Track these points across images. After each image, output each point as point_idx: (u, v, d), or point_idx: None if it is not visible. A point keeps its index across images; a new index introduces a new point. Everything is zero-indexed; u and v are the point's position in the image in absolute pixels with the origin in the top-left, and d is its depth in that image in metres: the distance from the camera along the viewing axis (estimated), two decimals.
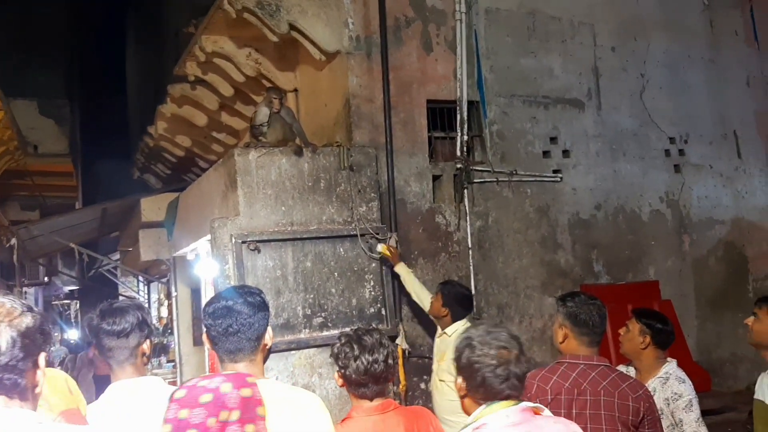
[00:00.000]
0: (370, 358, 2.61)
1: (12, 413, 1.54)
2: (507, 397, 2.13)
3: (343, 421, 2.67)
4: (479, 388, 2.14)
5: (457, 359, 2.22)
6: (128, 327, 2.49)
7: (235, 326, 2.19)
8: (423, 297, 5.46)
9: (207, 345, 2.31)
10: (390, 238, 5.82)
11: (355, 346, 2.63)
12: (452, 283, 5.38)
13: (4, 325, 1.55)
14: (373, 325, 5.39)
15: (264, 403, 1.90)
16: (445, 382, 4.74)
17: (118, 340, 2.48)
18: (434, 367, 5.07)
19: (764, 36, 8.58)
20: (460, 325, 4.84)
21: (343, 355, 2.64)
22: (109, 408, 2.44)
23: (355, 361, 2.61)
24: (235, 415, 1.82)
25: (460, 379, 2.21)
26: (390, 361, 2.68)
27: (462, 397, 2.23)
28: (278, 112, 5.81)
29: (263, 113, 5.86)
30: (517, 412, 2.10)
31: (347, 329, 2.88)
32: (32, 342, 1.59)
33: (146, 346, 2.56)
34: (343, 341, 2.69)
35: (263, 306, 2.27)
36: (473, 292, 6.36)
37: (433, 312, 5.18)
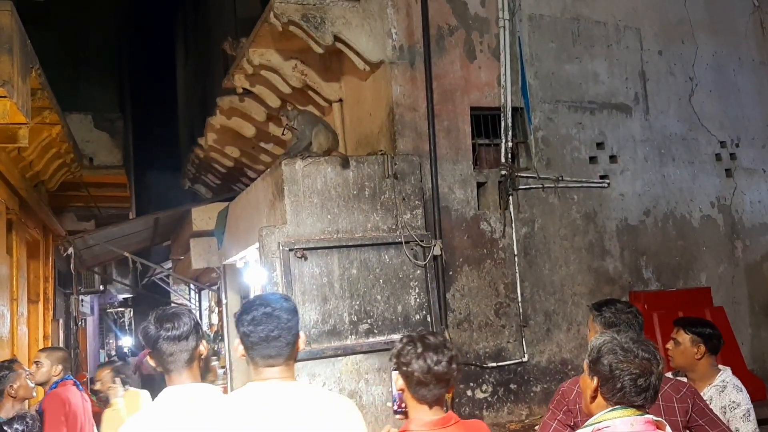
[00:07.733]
0: (435, 357, 2.46)
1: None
2: (638, 407, 2.12)
3: None
4: (616, 393, 2.12)
5: (596, 361, 2.18)
6: (186, 330, 2.52)
7: (276, 332, 2.25)
8: None
9: (238, 352, 2.32)
10: (435, 245, 5.86)
11: (419, 345, 2.48)
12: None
13: None
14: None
15: None
16: None
17: (178, 344, 2.50)
18: None
19: None
20: None
21: (405, 352, 2.49)
22: (165, 413, 2.44)
23: (419, 359, 2.45)
24: None
25: (595, 381, 2.17)
26: (453, 364, 2.52)
27: (592, 397, 2.20)
28: (288, 126, 5.98)
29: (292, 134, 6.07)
30: (641, 423, 2.09)
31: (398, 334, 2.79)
32: None
33: (203, 347, 2.61)
34: (405, 341, 2.54)
35: (296, 311, 2.34)
36: (519, 299, 6.34)
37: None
